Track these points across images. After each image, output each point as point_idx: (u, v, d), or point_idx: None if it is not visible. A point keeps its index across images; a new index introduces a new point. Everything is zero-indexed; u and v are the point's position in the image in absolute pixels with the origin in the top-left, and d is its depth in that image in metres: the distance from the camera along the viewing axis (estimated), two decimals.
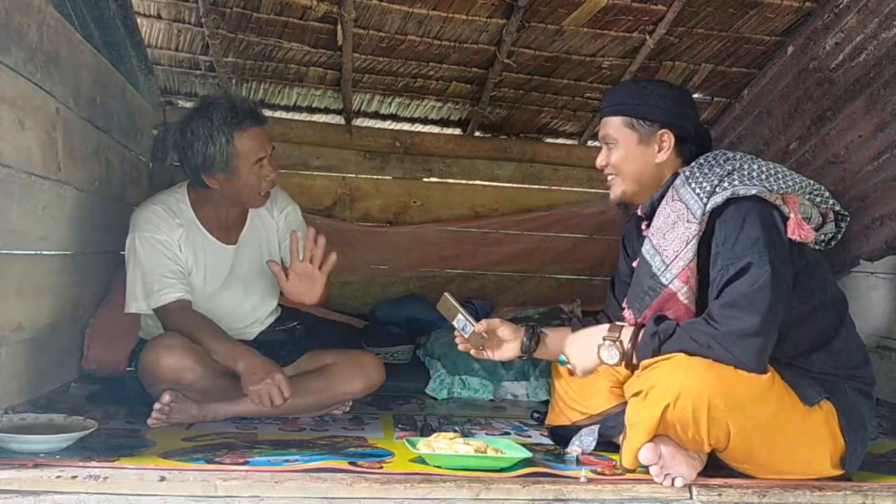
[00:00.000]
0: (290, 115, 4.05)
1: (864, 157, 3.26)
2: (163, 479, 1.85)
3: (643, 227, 2.34)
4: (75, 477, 1.82)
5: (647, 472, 2.02)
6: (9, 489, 1.78)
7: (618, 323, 2.25)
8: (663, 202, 2.24)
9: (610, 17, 3.41)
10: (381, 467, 2.05)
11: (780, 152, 3.63)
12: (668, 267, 2.16)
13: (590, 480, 2.01)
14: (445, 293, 2.45)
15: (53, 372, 2.73)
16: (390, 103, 4.05)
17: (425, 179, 4.22)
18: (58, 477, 1.81)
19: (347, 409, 2.82)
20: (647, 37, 3.52)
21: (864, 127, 3.21)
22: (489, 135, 4.26)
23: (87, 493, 1.79)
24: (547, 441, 2.54)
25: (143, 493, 1.82)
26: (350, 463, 2.05)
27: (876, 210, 3.23)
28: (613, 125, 2.30)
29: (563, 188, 4.30)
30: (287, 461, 2.06)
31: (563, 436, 2.45)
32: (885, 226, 3.27)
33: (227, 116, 2.62)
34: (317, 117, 4.11)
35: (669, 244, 2.16)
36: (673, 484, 1.98)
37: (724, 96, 3.93)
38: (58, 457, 1.98)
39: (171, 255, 2.66)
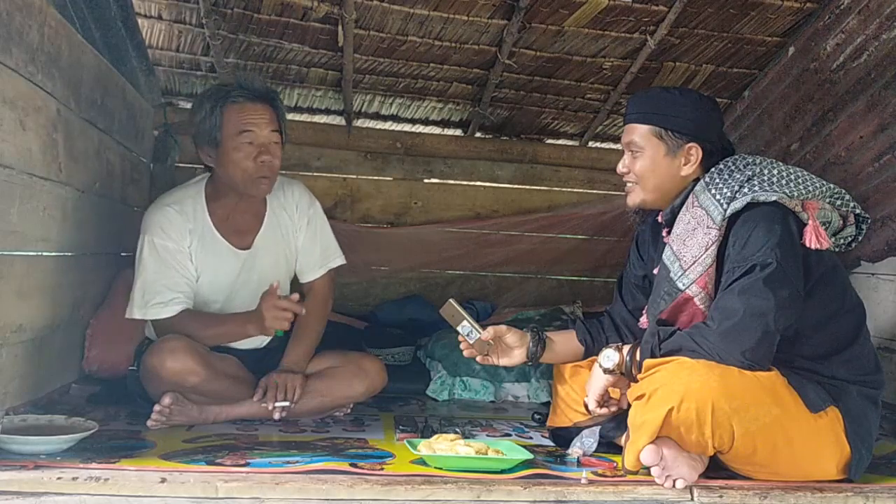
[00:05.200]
0: (290, 116, 4.03)
1: (864, 158, 3.26)
2: (163, 480, 1.85)
3: (664, 233, 2.33)
4: (76, 478, 1.82)
5: (649, 474, 2.02)
6: (9, 490, 1.78)
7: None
8: (683, 208, 2.23)
9: (611, 17, 3.41)
10: (382, 469, 2.05)
11: (781, 153, 3.63)
12: (685, 272, 2.16)
13: (591, 482, 2.01)
14: (450, 299, 2.43)
15: (54, 373, 2.72)
16: (391, 104, 4.05)
17: (426, 180, 4.22)
18: (58, 478, 1.81)
19: (349, 411, 2.82)
20: (648, 38, 3.52)
21: (865, 128, 3.21)
22: (490, 136, 4.26)
23: (87, 494, 1.79)
24: (548, 442, 2.54)
25: (143, 494, 1.81)
26: (351, 464, 2.05)
27: (877, 211, 3.23)
28: (640, 133, 2.28)
29: (563, 189, 4.30)
30: (288, 462, 2.05)
31: (564, 437, 2.45)
32: (886, 227, 3.27)
33: (222, 88, 2.62)
34: (318, 118, 4.12)
35: (689, 250, 2.16)
36: (674, 485, 1.98)
37: (725, 97, 3.92)
38: (59, 458, 1.98)
39: (178, 264, 2.60)
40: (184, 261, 2.62)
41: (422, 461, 2.11)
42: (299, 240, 2.81)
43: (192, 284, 2.64)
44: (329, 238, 2.87)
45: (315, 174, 4.07)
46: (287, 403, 2.52)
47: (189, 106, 3.82)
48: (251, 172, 2.58)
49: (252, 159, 2.57)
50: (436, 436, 2.25)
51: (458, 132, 4.25)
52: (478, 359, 2.46)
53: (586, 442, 2.31)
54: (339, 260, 2.90)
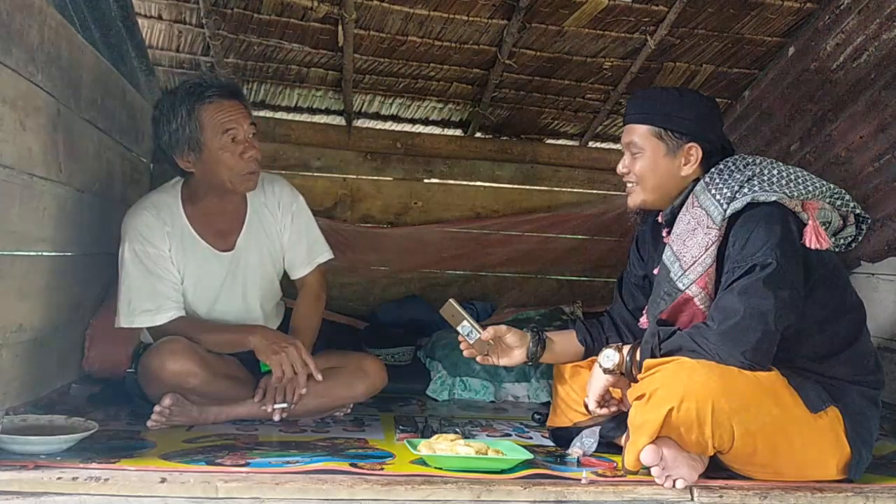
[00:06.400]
0: (290, 116, 4.06)
1: (865, 158, 3.26)
2: (163, 480, 1.85)
3: (664, 234, 2.33)
4: (76, 478, 1.82)
5: (649, 474, 2.02)
6: (9, 490, 1.77)
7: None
8: (683, 209, 2.23)
9: (611, 17, 3.41)
10: (382, 469, 2.05)
11: (782, 153, 3.63)
12: (685, 272, 2.16)
13: (591, 482, 2.00)
14: (450, 300, 2.43)
15: (54, 373, 2.72)
16: (391, 104, 4.06)
17: (426, 180, 4.22)
18: (58, 478, 1.81)
19: (349, 411, 2.81)
20: (648, 38, 3.52)
21: (865, 128, 3.21)
22: (490, 136, 4.26)
23: (87, 494, 1.79)
24: (548, 442, 2.54)
25: (143, 494, 1.81)
26: (351, 464, 2.05)
27: (877, 211, 3.23)
28: (640, 133, 2.27)
29: (563, 189, 4.30)
30: (288, 462, 2.05)
31: (564, 437, 2.44)
32: (886, 227, 3.27)
33: (191, 90, 2.54)
34: (318, 118, 4.12)
35: (689, 250, 2.16)
36: (674, 485, 1.98)
37: (726, 97, 3.93)
38: (59, 458, 1.98)
39: (161, 269, 2.58)
40: (166, 265, 2.59)
41: (422, 461, 2.11)
42: (284, 237, 2.77)
43: (178, 288, 2.62)
44: (315, 233, 2.84)
45: (315, 174, 4.07)
46: (286, 405, 2.52)
47: None
48: (240, 170, 2.54)
49: (239, 156, 2.53)
50: (436, 436, 2.24)
51: (458, 132, 4.25)
52: (478, 359, 2.46)
53: (586, 442, 2.31)
54: (326, 254, 2.86)
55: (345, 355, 2.81)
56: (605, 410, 2.28)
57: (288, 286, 2.91)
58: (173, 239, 2.61)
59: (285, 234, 2.78)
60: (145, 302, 2.56)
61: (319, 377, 2.50)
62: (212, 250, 2.66)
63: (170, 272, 2.60)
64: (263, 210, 2.74)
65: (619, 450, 2.23)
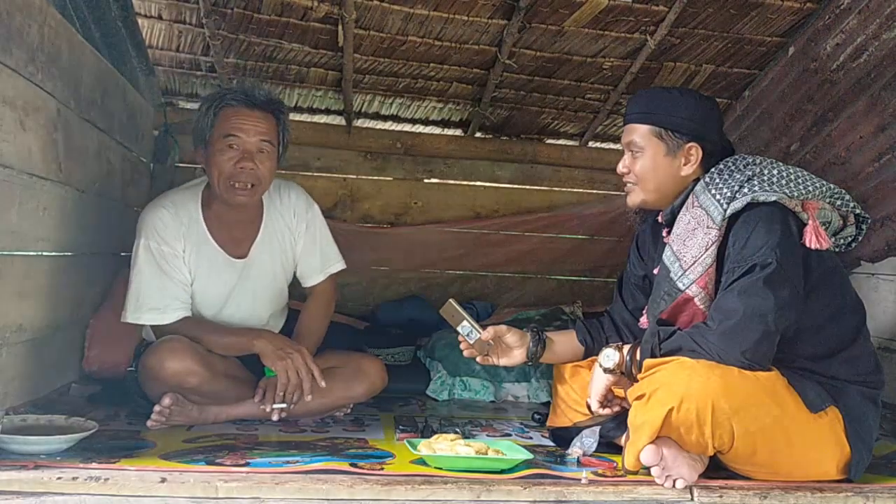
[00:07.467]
0: (290, 116, 4.02)
1: (865, 158, 3.26)
2: (164, 480, 1.85)
3: (664, 233, 2.33)
4: (76, 478, 1.82)
5: (649, 474, 2.02)
6: (9, 490, 1.78)
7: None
8: (683, 209, 2.23)
9: (611, 17, 3.40)
10: (382, 469, 2.05)
11: (781, 153, 3.63)
12: (685, 272, 2.16)
13: (591, 482, 2.01)
14: (451, 299, 2.43)
15: (54, 373, 2.72)
16: (391, 104, 4.05)
17: (426, 180, 4.22)
18: (58, 478, 1.81)
19: (349, 411, 2.82)
20: (649, 38, 3.51)
21: (865, 128, 3.21)
22: (490, 136, 4.26)
23: (87, 494, 1.79)
24: (548, 442, 2.54)
25: (143, 494, 1.82)
26: (351, 464, 2.05)
27: (877, 211, 3.23)
28: (641, 133, 2.28)
29: (563, 189, 4.30)
30: (288, 462, 2.06)
31: (564, 437, 2.45)
32: (886, 227, 3.27)
33: (224, 91, 2.63)
34: (318, 118, 4.12)
35: (689, 250, 2.17)
36: (674, 485, 1.98)
37: (725, 97, 3.92)
38: (58, 458, 1.99)
39: (173, 269, 2.58)
40: (179, 265, 2.60)
41: (422, 461, 2.11)
42: (298, 247, 2.78)
43: (188, 289, 2.63)
44: (328, 242, 2.85)
45: (315, 174, 4.07)
46: (285, 405, 2.52)
47: (189, 106, 3.85)
48: (228, 176, 2.55)
49: (233, 164, 2.54)
50: (436, 436, 2.25)
51: (458, 132, 4.25)
52: (478, 359, 2.46)
53: (586, 442, 2.31)
54: (338, 265, 2.87)
55: (345, 355, 2.82)
56: (607, 410, 2.29)
57: (293, 287, 2.91)
58: (188, 239, 2.62)
59: (299, 243, 2.78)
60: (154, 300, 2.56)
61: (323, 384, 2.51)
62: (225, 256, 2.67)
63: (181, 272, 2.61)
64: (278, 218, 2.75)
65: (619, 450, 2.23)
